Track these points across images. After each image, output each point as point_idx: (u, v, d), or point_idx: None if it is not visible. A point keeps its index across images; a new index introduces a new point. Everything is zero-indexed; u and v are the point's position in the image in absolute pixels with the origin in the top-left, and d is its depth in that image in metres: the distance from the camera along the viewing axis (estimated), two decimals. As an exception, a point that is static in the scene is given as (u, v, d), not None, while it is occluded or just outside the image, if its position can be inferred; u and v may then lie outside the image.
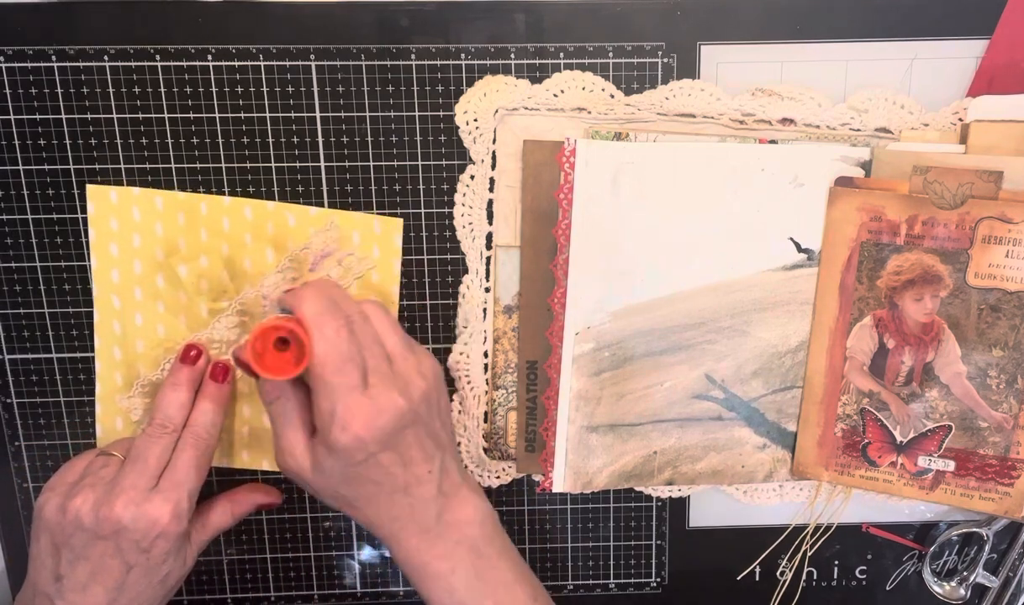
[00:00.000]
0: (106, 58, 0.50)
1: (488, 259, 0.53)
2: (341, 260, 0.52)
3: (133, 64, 0.50)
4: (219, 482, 0.56)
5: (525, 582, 0.49)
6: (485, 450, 0.57)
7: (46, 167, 0.51)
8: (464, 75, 0.51)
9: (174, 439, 0.49)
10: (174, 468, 0.48)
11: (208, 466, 0.50)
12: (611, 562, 0.60)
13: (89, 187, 0.51)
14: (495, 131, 0.51)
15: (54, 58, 0.49)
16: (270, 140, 0.51)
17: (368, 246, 0.52)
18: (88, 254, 0.52)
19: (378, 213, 0.52)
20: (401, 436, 0.45)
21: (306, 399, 0.46)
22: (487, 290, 0.54)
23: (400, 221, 0.53)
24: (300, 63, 0.50)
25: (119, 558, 0.46)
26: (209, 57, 0.50)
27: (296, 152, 0.51)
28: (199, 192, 0.51)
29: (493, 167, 0.52)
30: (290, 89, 0.50)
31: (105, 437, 0.55)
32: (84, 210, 0.51)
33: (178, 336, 0.52)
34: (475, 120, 0.51)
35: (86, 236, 0.52)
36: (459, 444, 0.56)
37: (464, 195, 0.52)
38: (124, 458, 0.49)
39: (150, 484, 0.47)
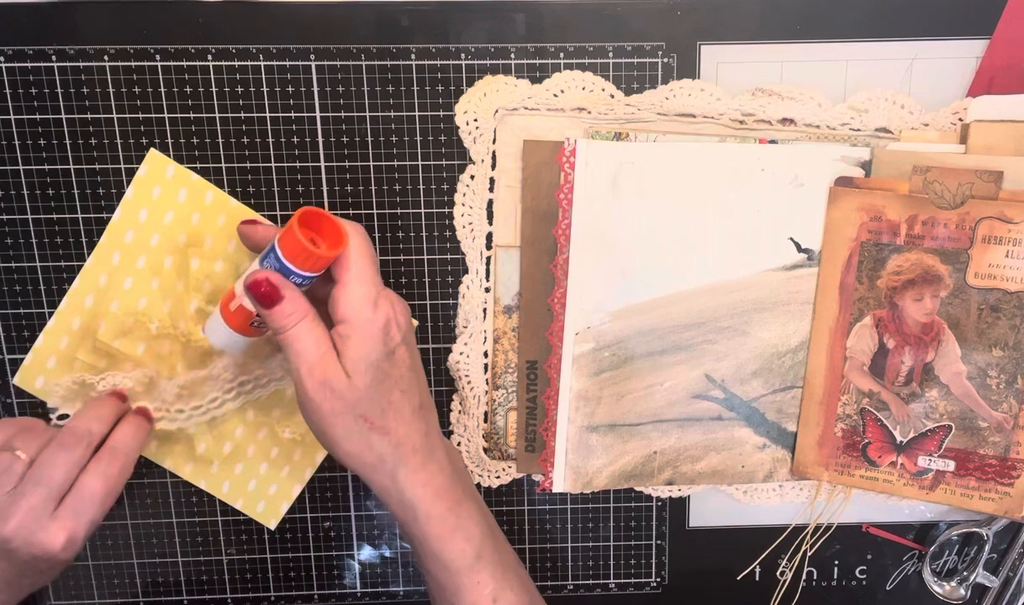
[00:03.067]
0: (106, 58, 0.50)
1: (488, 259, 0.53)
2: None
3: (133, 64, 0.50)
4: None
5: (507, 540, 0.52)
6: (485, 450, 0.57)
7: (46, 167, 0.51)
8: (464, 75, 0.51)
9: (87, 455, 0.47)
10: (79, 492, 0.46)
11: (118, 493, 0.48)
12: (611, 562, 0.60)
13: (153, 151, 0.51)
14: (495, 131, 0.51)
15: (54, 58, 0.49)
16: (270, 140, 0.51)
17: None
18: (28, 195, 0.51)
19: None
20: (409, 335, 0.46)
21: (322, 317, 0.45)
22: (487, 290, 0.54)
23: (414, 323, 0.54)
24: (300, 63, 0.50)
25: (4, 561, 0.46)
26: (209, 57, 0.50)
27: (296, 152, 0.51)
28: (199, 192, 0.52)
29: (493, 167, 0.52)
30: (290, 89, 0.50)
31: (29, 367, 0.53)
32: (84, 210, 0.52)
33: (154, 315, 0.52)
34: (475, 120, 0.51)
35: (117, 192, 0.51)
36: (459, 444, 0.56)
37: (464, 195, 0.52)
38: (30, 461, 0.46)
39: (50, 507, 0.45)
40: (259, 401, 0.54)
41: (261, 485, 0.56)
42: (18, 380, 0.53)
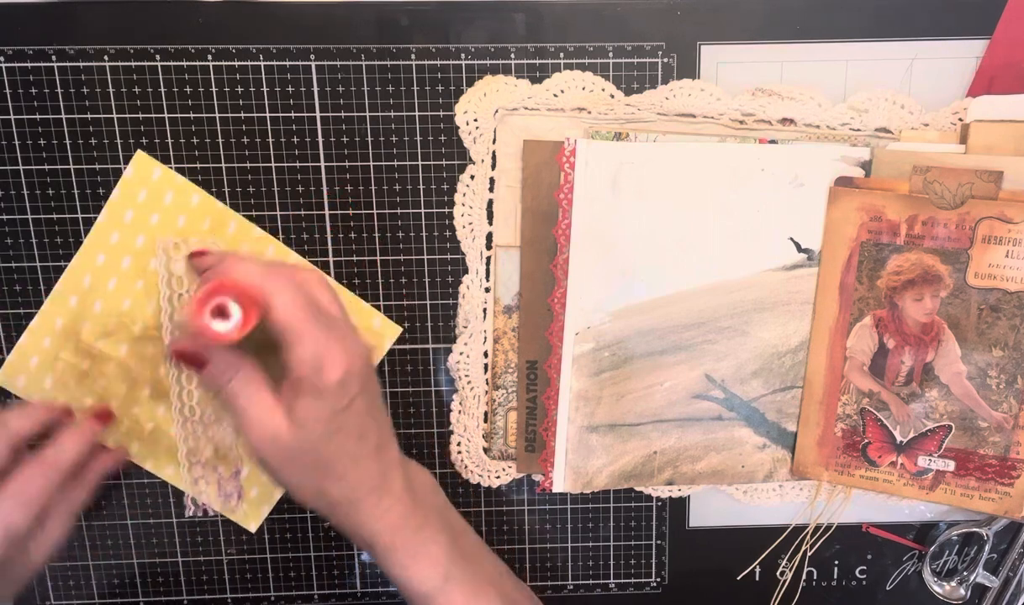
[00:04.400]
0: (106, 58, 0.50)
1: (488, 259, 0.53)
2: None
3: (133, 64, 0.50)
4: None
5: (489, 551, 0.52)
6: (485, 450, 0.57)
7: (46, 167, 0.51)
8: (464, 75, 0.51)
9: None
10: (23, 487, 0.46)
11: (38, 509, 0.47)
12: (611, 562, 0.60)
13: (140, 153, 0.51)
14: (495, 131, 0.51)
15: (54, 58, 0.49)
16: (270, 140, 0.51)
17: None
18: (27, 195, 0.51)
19: (384, 312, 0.54)
20: (369, 382, 0.44)
21: (261, 368, 0.44)
22: (487, 290, 0.54)
23: (399, 330, 0.54)
24: (300, 63, 0.50)
25: None
26: (209, 57, 0.50)
27: (296, 152, 0.51)
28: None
29: (493, 167, 0.52)
30: (290, 89, 0.50)
31: (11, 365, 0.53)
32: (84, 210, 0.51)
33: (138, 317, 0.52)
34: (475, 120, 0.51)
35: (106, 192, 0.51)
36: (459, 444, 0.56)
37: (464, 195, 0.52)
38: None
39: None
40: None
41: (243, 488, 0.56)
42: (10, 364, 0.53)
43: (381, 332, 0.54)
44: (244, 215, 0.52)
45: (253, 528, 0.57)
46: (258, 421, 0.43)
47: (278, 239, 0.53)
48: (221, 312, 0.41)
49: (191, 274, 0.51)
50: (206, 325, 0.41)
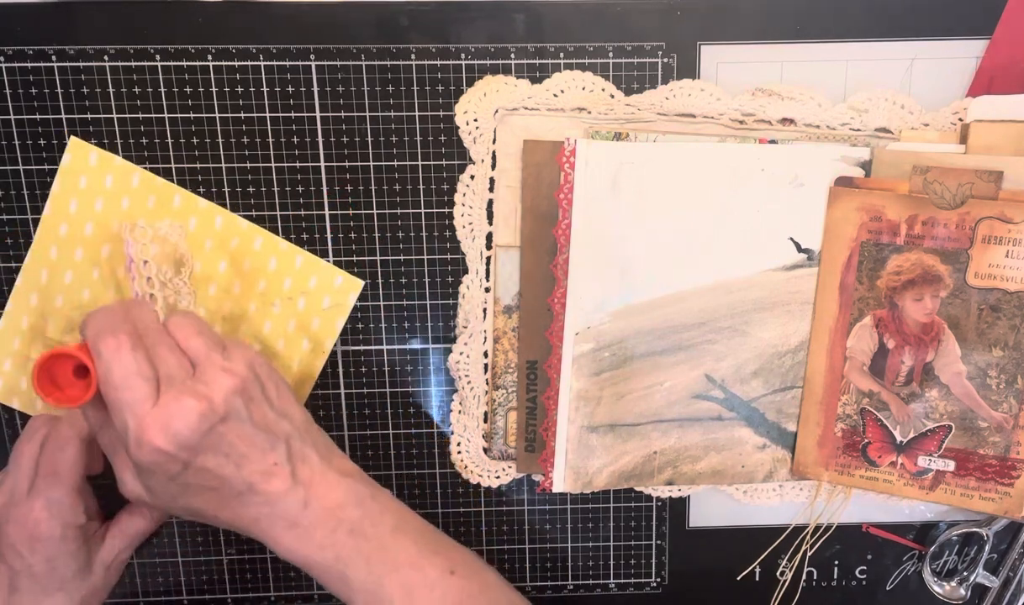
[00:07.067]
0: (106, 58, 0.50)
1: (488, 259, 0.53)
2: (292, 297, 0.52)
3: (133, 64, 0.50)
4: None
5: (437, 555, 0.47)
6: (485, 450, 0.57)
7: (46, 167, 0.51)
8: (464, 75, 0.51)
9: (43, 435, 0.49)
10: (46, 464, 0.48)
11: (85, 461, 0.49)
12: (611, 562, 0.60)
13: (73, 139, 0.50)
14: (495, 131, 0.51)
15: (54, 58, 0.49)
16: (270, 140, 0.51)
17: (320, 293, 0.53)
18: (28, 196, 0.51)
19: (344, 269, 0.53)
20: (216, 436, 0.42)
21: None
22: (487, 290, 0.54)
23: (361, 283, 0.53)
24: (300, 63, 0.50)
25: (3, 563, 0.47)
26: (209, 57, 0.50)
27: (296, 152, 0.51)
28: (198, 192, 0.51)
29: (493, 167, 0.52)
30: (290, 89, 0.50)
31: None
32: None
33: (100, 305, 0.51)
34: (475, 120, 0.51)
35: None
36: (459, 444, 0.56)
37: (464, 195, 0.52)
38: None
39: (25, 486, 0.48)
40: None
41: None
42: None
43: (344, 289, 0.53)
44: (244, 215, 0.52)
45: None
46: (121, 480, 0.46)
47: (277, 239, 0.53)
48: (84, 369, 0.43)
49: (161, 255, 0.51)
50: (45, 394, 0.42)
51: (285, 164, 0.52)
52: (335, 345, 0.54)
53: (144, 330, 0.44)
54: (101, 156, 0.50)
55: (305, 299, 0.53)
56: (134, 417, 0.41)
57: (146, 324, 0.44)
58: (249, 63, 0.50)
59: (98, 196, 0.51)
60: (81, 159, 0.50)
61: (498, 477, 0.57)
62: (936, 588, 0.59)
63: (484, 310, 0.54)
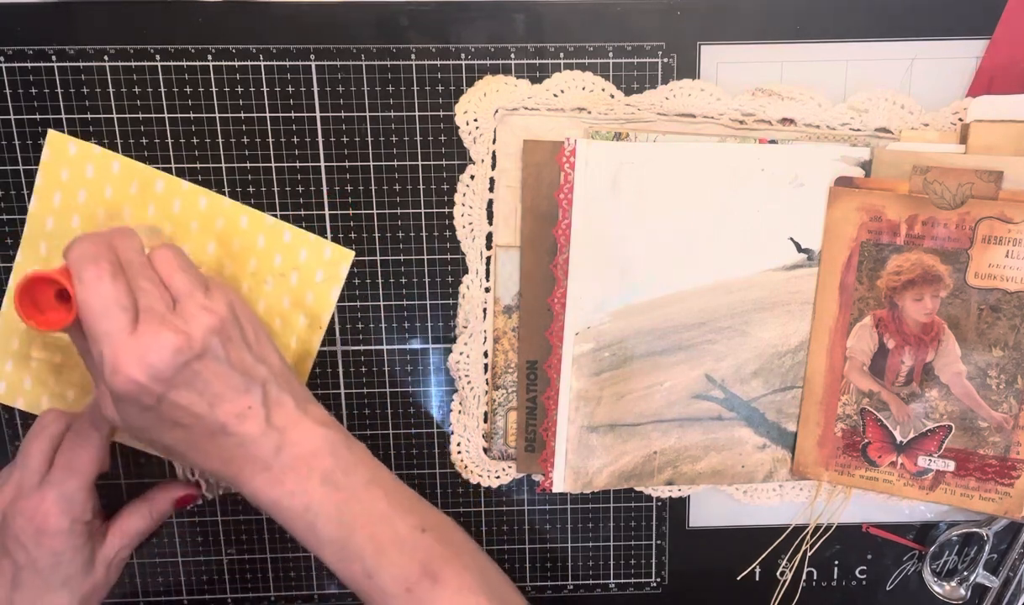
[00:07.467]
0: (106, 58, 0.50)
1: (488, 259, 0.53)
2: (284, 273, 0.52)
3: (133, 64, 0.50)
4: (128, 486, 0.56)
5: (410, 513, 0.47)
6: (485, 450, 0.57)
7: (46, 167, 0.51)
8: (464, 75, 0.51)
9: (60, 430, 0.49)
10: (64, 457, 0.48)
11: (101, 458, 0.49)
12: (611, 562, 0.60)
13: (51, 132, 0.50)
14: (495, 131, 0.51)
15: (54, 58, 0.49)
16: (270, 140, 0.51)
17: (312, 267, 0.53)
18: (28, 196, 0.51)
19: (333, 241, 0.53)
20: (191, 373, 0.42)
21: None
22: (487, 290, 0.54)
23: (352, 254, 0.53)
24: (300, 63, 0.50)
25: (7, 557, 0.47)
26: (209, 57, 0.50)
27: (296, 152, 0.51)
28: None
29: (493, 167, 0.52)
30: (290, 89, 0.50)
31: None
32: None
33: None
34: (475, 120, 0.51)
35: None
36: (459, 444, 0.56)
37: (464, 195, 0.52)
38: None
39: (35, 479, 0.48)
40: None
41: None
42: None
43: (334, 260, 0.53)
44: (244, 215, 0.52)
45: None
46: (99, 404, 0.45)
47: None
48: (65, 293, 0.42)
49: (163, 210, 0.51)
50: (27, 316, 0.42)
51: (285, 164, 0.52)
52: (335, 345, 0.54)
53: (127, 260, 0.43)
54: (80, 147, 0.50)
55: (297, 274, 0.52)
56: (110, 346, 0.41)
57: (130, 254, 0.44)
58: (249, 63, 0.50)
59: (80, 187, 0.50)
60: (60, 151, 0.50)
61: (498, 477, 0.57)
62: (936, 588, 0.59)
63: (484, 310, 0.54)
